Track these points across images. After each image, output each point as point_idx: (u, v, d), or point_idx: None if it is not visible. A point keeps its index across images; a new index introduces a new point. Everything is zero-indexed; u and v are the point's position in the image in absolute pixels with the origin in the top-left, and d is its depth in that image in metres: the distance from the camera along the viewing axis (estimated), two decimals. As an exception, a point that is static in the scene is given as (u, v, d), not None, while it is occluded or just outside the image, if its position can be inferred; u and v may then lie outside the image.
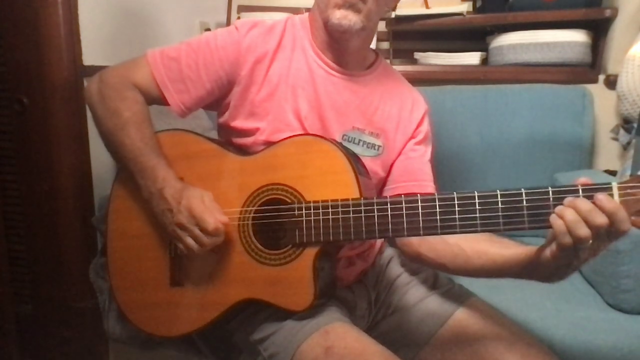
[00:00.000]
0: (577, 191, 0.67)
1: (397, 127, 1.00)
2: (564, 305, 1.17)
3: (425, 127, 1.04)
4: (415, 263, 1.02)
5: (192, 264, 0.90)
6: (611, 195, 0.65)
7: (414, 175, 1.00)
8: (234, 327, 0.94)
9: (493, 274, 0.84)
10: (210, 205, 0.83)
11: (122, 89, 0.92)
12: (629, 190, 0.65)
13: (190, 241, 0.82)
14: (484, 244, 0.84)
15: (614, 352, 1.06)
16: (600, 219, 0.63)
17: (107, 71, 0.95)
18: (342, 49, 0.95)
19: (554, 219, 0.66)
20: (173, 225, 0.84)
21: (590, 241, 0.65)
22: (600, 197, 0.64)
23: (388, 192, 1.01)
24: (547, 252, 0.70)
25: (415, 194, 0.76)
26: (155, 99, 0.95)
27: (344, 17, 0.87)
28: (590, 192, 0.66)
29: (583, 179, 0.68)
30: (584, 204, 0.65)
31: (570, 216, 0.65)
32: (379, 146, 0.98)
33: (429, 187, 0.99)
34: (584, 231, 0.64)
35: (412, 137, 1.02)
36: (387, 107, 1.00)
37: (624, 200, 0.65)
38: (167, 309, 0.91)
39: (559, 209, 0.66)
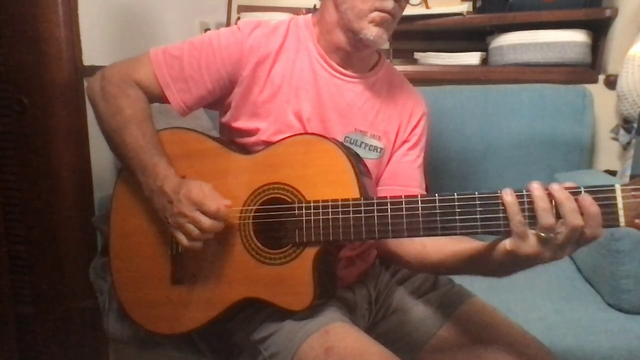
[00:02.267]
0: (579, 193, 0.66)
1: (398, 129, 1.00)
2: (564, 305, 1.18)
3: (419, 130, 1.03)
4: (388, 262, 1.02)
5: (193, 262, 0.90)
6: (614, 197, 0.65)
7: (401, 179, 0.99)
8: (235, 327, 0.93)
9: (450, 269, 0.84)
10: (209, 193, 0.82)
11: (124, 86, 0.92)
12: (632, 193, 0.64)
13: (190, 227, 0.81)
14: (444, 240, 0.84)
15: (614, 352, 1.06)
16: (576, 220, 0.63)
17: (109, 68, 0.95)
18: (353, 54, 0.95)
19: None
20: (174, 216, 0.83)
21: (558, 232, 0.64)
22: (585, 198, 0.64)
23: (377, 193, 1.00)
24: (506, 244, 0.69)
25: (416, 195, 0.76)
26: (157, 97, 0.95)
27: (379, 35, 0.88)
28: (593, 194, 0.65)
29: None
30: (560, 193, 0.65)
31: (543, 204, 0.65)
32: (381, 148, 0.98)
33: (416, 192, 0.98)
34: (548, 219, 0.64)
35: (405, 141, 1.01)
36: (389, 109, 1.00)
37: (627, 203, 0.64)
38: (168, 307, 0.91)
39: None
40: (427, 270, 0.91)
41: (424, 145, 1.06)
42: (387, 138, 0.99)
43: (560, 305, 1.17)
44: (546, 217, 0.65)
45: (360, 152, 0.94)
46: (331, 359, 0.78)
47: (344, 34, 0.92)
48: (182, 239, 0.83)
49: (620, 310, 1.15)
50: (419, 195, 0.75)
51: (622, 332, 1.09)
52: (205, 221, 0.80)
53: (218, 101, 0.97)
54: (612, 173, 1.63)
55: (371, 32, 0.88)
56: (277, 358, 0.84)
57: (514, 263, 0.70)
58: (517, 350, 0.85)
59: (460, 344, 0.91)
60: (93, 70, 1.28)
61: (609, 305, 1.18)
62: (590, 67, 1.73)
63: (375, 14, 0.87)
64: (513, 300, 1.17)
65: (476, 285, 1.02)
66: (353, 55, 0.95)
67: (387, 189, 0.99)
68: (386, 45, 2.00)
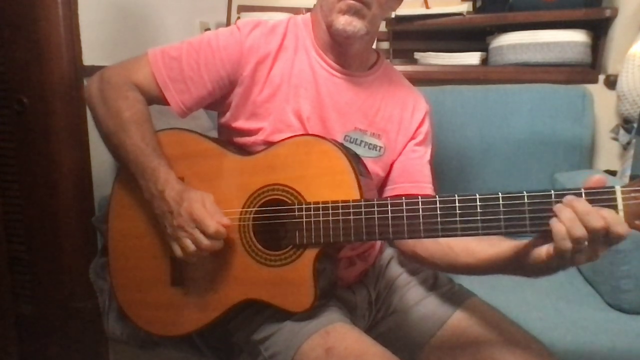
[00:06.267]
0: (579, 194, 0.66)
1: (399, 128, 1.00)
2: (564, 305, 1.18)
3: (426, 128, 1.04)
4: (411, 262, 1.02)
5: (193, 264, 0.89)
6: (615, 199, 0.65)
7: (413, 176, 1.00)
8: (235, 327, 0.93)
9: (481, 271, 0.84)
10: (211, 209, 0.82)
11: (122, 88, 0.91)
12: (632, 195, 0.64)
13: (188, 243, 0.81)
14: (472, 242, 0.84)
15: (614, 352, 1.06)
16: (597, 222, 0.63)
17: (108, 70, 0.95)
18: (344, 51, 0.94)
19: (554, 222, 0.66)
20: (173, 228, 0.83)
21: (586, 243, 0.64)
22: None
23: (387, 192, 1.01)
24: (542, 253, 0.69)
25: (416, 196, 0.76)
26: (156, 99, 0.94)
27: (348, 23, 0.87)
28: (593, 196, 0.66)
29: (597, 177, 0.67)
30: (582, 205, 0.64)
31: (568, 215, 0.64)
32: (381, 147, 0.98)
33: (428, 188, 0.99)
34: (580, 232, 0.63)
35: (412, 138, 1.02)
36: (388, 108, 1.00)
37: (628, 205, 0.64)
38: (167, 309, 0.91)
39: (557, 207, 0.66)
40: (456, 272, 0.92)
41: (431, 142, 1.06)
42: (387, 136, 0.99)
43: (560, 305, 1.17)
44: (579, 230, 0.64)
45: (360, 150, 0.94)
46: (331, 360, 0.78)
47: (326, 30, 0.93)
48: (177, 250, 0.83)
49: (620, 310, 1.15)
50: (420, 197, 0.75)
51: (622, 332, 1.09)
52: (204, 241, 0.80)
53: (218, 101, 0.97)
54: (612, 173, 1.63)
55: (339, 21, 0.88)
56: (278, 358, 0.83)
57: (548, 268, 0.71)
58: (517, 350, 0.85)
59: (460, 344, 0.91)
60: (93, 70, 1.28)
61: (609, 305, 1.18)
62: (590, 67, 1.73)
63: (342, 3, 0.87)
64: (513, 300, 1.17)
65: (476, 285, 1.02)
66: (344, 51, 0.94)
67: (398, 187, 0.99)
68: (386, 45, 2.00)
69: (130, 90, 0.92)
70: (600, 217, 0.63)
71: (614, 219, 0.63)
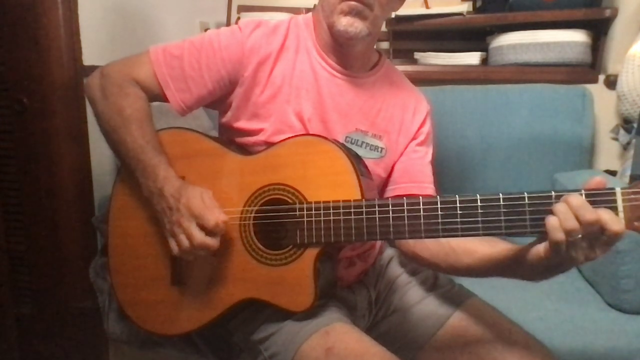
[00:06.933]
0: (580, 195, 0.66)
1: (400, 128, 1.00)
2: (564, 305, 1.18)
3: (427, 128, 1.04)
4: (412, 262, 1.02)
5: (193, 263, 0.89)
6: (615, 200, 0.65)
7: (414, 176, 1.00)
8: (235, 327, 0.93)
9: (482, 273, 0.84)
10: (210, 204, 0.82)
11: (124, 85, 0.91)
12: (632, 196, 0.64)
13: (183, 238, 0.80)
14: (473, 243, 0.84)
15: (613, 353, 1.06)
16: (590, 215, 0.63)
17: (109, 66, 0.94)
18: (345, 52, 0.94)
19: (548, 217, 0.66)
20: (171, 224, 0.83)
21: (580, 235, 0.64)
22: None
23: (388, 193, 1.01)
24: (540, 250, 0.69)
25: (417, 196, 0.76)
26: (156, 97, 0.94)
27: (350, 24, 0.87)
28: (593, 197, 0.66)
29: (598, 178, 0.67)
30: (575, 199, 0.65)
31: (562, 208, 0.65)
32: (382, 148, 0.98)
33: (429, 189, 0.99)
34: (572, 223, 0.63)
35: (413, 139, 1.02)
36: (389, 108, 1.00)
37: (627, 206, 0.64)
38: (167, 308, 0.91)
39: (554, 205, 0.66)
40: (457, 274, 0.91)
41: (432, 142, 1.06)
42: (388, 137, 0.99)
43: (560, 305, 1.18)
44: (571, 222, 0.64)
45: (362, 152, 0.94)
46: (331, 360, 0.78)
47: (328, 31, 0.92)
48: (174, 247, 0.83)
49: (620, 310, 1.16)
50: (421, 197, 0.75)
51: (622, 332, 1.09)
52: (198, 237, 0.79)
53: (218, 101, 0.97)
54: (612, 173, 1.63)
55: (340, 22, 0.87)
56: (277, 358, 0.84)
57: (547, 268, 0.71)
58: (517, 350, 0.86)
59: (460, 344, 0.91)
60: (93, 70, 1.28)
61: (609, 305, 1.18)
62: (590, 67, 1.74)
63: (343, 5, 0.87)
64: (513, 300, 1.17)
65: (476, 285, 1.02)
66: (346, 52, 0.94)
67: (399, 187, 0.99)
68: (386, 45, 2.00)
69: (131, 87, 0.92)
70: (592, 210, 0.63)
71: (609, 217, 0.63)
